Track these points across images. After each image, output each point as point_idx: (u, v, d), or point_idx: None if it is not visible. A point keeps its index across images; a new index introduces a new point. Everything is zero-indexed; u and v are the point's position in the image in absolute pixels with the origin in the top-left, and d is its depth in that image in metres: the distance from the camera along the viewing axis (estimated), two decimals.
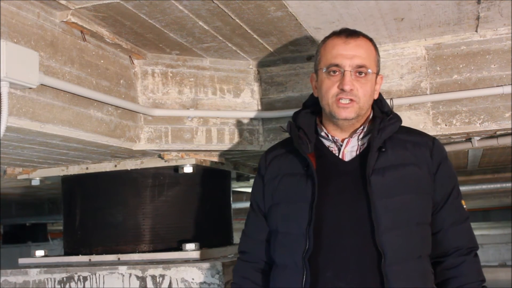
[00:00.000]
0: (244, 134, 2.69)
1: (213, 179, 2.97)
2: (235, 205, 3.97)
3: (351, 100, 1.76)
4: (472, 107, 2.45)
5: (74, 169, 2.85)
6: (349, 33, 1.80)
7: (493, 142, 2.78)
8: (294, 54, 2.62)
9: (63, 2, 1.97)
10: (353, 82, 1.75)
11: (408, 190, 1.76)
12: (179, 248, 2.64)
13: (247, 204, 2.04)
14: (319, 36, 2.28)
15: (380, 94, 1.91)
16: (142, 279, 2.49)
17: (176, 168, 2.75)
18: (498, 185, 6.02)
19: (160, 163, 2.74)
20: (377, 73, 1.86)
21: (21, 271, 2.69)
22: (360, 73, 1.77)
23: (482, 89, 2.42)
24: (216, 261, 2.50)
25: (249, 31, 2.30)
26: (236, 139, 2.68)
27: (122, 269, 2.52)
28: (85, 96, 2.12)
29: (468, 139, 2.79)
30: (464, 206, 1.89)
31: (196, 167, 2.73)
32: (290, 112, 2.00)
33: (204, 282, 2.42)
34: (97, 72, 2.24)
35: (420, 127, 2.48)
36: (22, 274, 2.68)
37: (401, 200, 1.74)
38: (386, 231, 1.69)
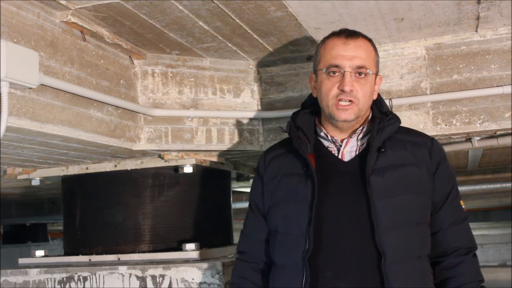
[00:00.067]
0: (244, 134, 2.69)
1: (213, 179, 2.97)
2: (235, 205, 3.98)
3: (350, 101, 1.76)
4: (472, 107, 2.45)
5: (74, 169, 2.85)
6: (348, 34, 1.81)
7: (493, 142, 2.78)
8: (294, 54, 2.62)
9: (63, 2, 1.97)
10: (353, 83, 1.76)
11: (408, 190, 1.76)
12: (179, 248, 2.64)
13: (247, 204, 2.04)
14: (319, 36, 2.28)
15: (379, 95, 1.91)
16: (142, 279, 2.49)
17: (176, 168, 2.75)
18: (498, 185, 6.02)
19: (160, 163, 2.74)
20: (376, 74, 1.86)
21: (21, 271, 2.69)
22: (360, 73, 1.77)
23: (482, 89, 2.42)
24: (216, 261, 2.50)
25: (249, 31, 2.30)
26: (236, 139, 2.68)
27: (122, 269, 2.52)
28: (85, 96, 2.12)
29: (468, 139, 2.79)
30: (463, 206, 1.89)
31: (196, 167, 2.73)
32: (290, 112, 2.00)
33: (204, 282, 2.42)
34: (97, 72, 2.24)
35: (420, 127, 2.48)
36: (22, 274, 2.68)
37: (401, 200, 1.74)
38: (386, 231, 1.70)
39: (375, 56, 1.85)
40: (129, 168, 2.76)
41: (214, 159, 2.85)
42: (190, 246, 2.59)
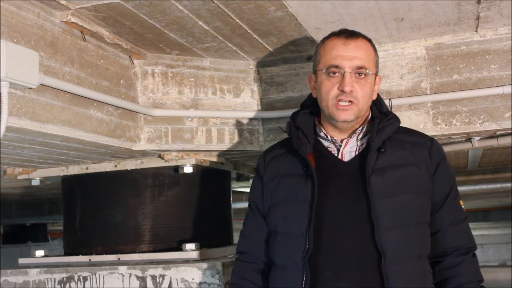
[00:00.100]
0: (244, 134, 2.69)
1: (213, 179, 2.97)
2: (235, 205, 3.97)
3: (350, 102, 1.76)
4: (472, 107, 2.46)
5: (74, 169, 2.85)
6: (348, 34, 1.81)
7: (493, 142, 2.78)
8: (294, 54, 2.62)
9: (63, 2, 1.97)
10: (353, 84, 1.76)
11: (407, 190, 1.76)
12: (179, 248, 2.64)
13: (247, 204, 2.04)
14: (319, 36, 2.28)
15: (378, 95, 1.91)
16: (142, 279, 2.49)
17: (176, 168, 2.75)
18: (498, 185, 6.02)
19: (160, 163, 2.74)
20: (376, 74, 1.86)
21: (21, 271, 2.69)
22: (359, 74, 1.77)
23: (482, 89, 2.42)
24: (216, 261, 2.50)
25: (249, 31, 2.30)
26: (236, 139, 2.68)
27: (122, 269, 2.52)
28: (85, 96, 2.12)
29: (468, 139, 2.79)
30: (463, 206, 1.89)
31: (196, 167, 2.73)
32: (290, 112, 2.00)
33: (204, 282, 2.42)
34: (97, 72, 2.24)
35: (420, 127, 2.48)
36: (22, 274, 2.68)
37: (401, 200, 1.74)
38: (386, 231, 1.70)
39: (375, 56, 1.85)
40: (129, 168, 2.76)
41: (214, 159, 2.85)
42: (190, 246, 2.59)
